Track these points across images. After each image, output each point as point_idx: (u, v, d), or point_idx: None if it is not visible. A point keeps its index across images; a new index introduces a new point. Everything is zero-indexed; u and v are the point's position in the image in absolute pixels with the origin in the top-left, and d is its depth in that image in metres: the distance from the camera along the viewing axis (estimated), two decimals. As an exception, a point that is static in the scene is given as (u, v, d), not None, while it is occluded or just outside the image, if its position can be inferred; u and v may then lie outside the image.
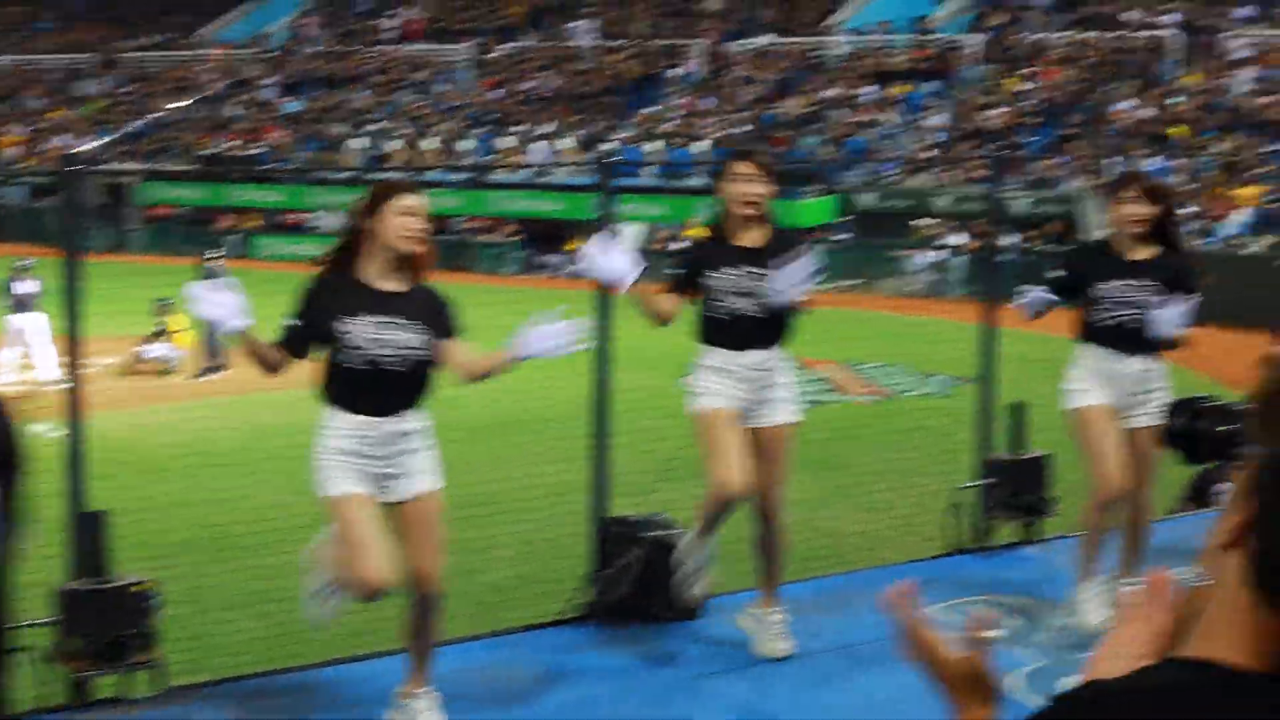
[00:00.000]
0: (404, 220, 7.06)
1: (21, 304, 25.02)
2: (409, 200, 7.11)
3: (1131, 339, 8.99)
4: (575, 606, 9.54)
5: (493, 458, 16.43)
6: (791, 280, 8.13)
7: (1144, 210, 8.97)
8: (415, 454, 7.28)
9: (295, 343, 7.15)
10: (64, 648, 8.06)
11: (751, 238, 8.42)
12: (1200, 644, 2.17)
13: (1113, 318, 8.99)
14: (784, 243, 8.43)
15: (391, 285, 7.16)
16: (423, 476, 7.32)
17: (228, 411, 17.62)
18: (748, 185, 8.38)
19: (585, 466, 9.84)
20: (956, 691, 2.72)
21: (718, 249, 8.43)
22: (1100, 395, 9.02)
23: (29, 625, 8.14)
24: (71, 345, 8.38)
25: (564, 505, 12.86)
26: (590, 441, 9.77)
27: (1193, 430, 3.02)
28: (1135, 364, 9.03)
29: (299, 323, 7.14)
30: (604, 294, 9.56)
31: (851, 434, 18.07)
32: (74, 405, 8.34)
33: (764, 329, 8.38)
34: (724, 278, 8.32)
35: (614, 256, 7.99)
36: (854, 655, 8.78)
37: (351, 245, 7.17)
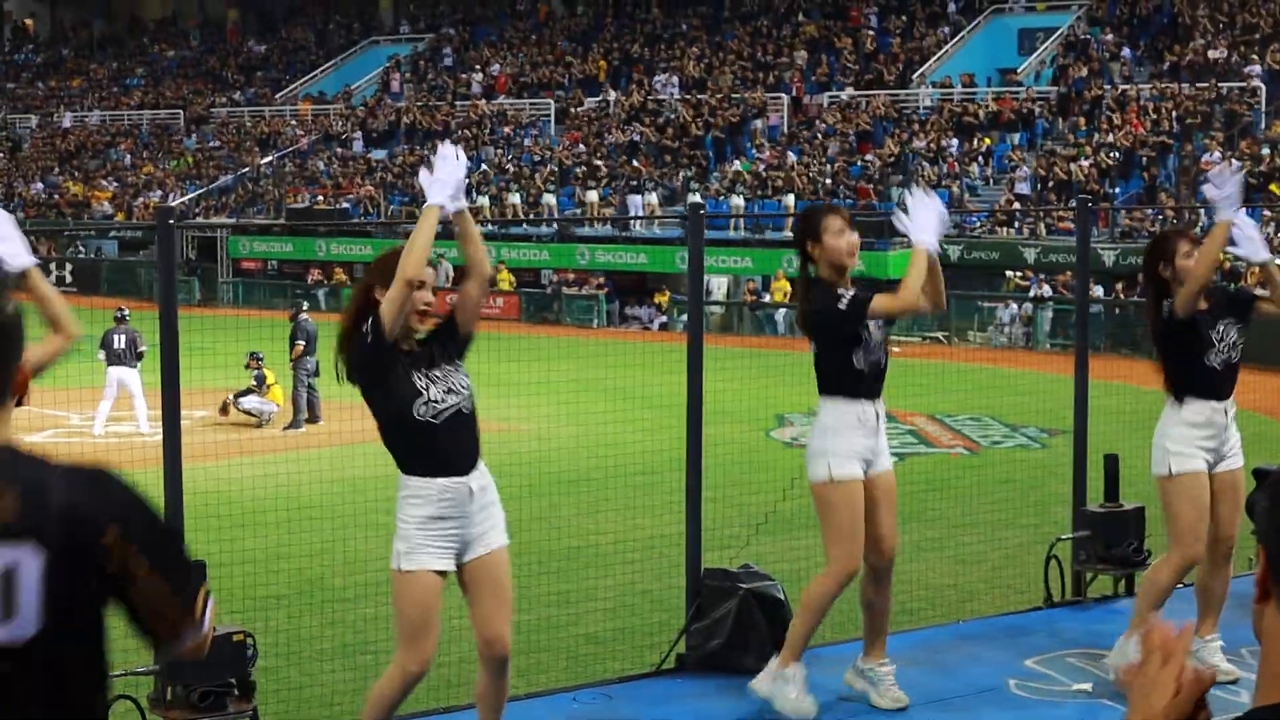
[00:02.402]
0: (418, 294, 6.91)
1: (118, 357, 25.26)
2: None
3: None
4: (671, 658, 9.55)
5: (588, 510, 16.47)
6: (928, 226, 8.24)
7: None
8: (489, 507, 7.18)
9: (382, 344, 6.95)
10: (164, 697, 8.15)
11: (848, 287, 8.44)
12: (1272, 694, 2.18)
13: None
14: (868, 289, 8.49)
15: (414, 346, 7.05)
16: (498, 530, 7.19)
17: (319, 463, 17.74)
18: (850, 236, 8.37)
19: (680, 519, 9.85)
20: None
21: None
22: (1202, 459, 8.98)
23: (130, 674, 8.23)
24: (168, 397, 8.47)
25: (660, 557, 12.88)
26: (685, 494, 9.78)
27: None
28: (1229, 412, 9.03)
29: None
30: (695, 349, 9.61)
31: (942, 486, 18.01)
32: (171, 457, 8.42)
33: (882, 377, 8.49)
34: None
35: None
36: (946, 708, 8.75)
37: (368, 310, 6.99)
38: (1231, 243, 8.78)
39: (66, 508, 3.22)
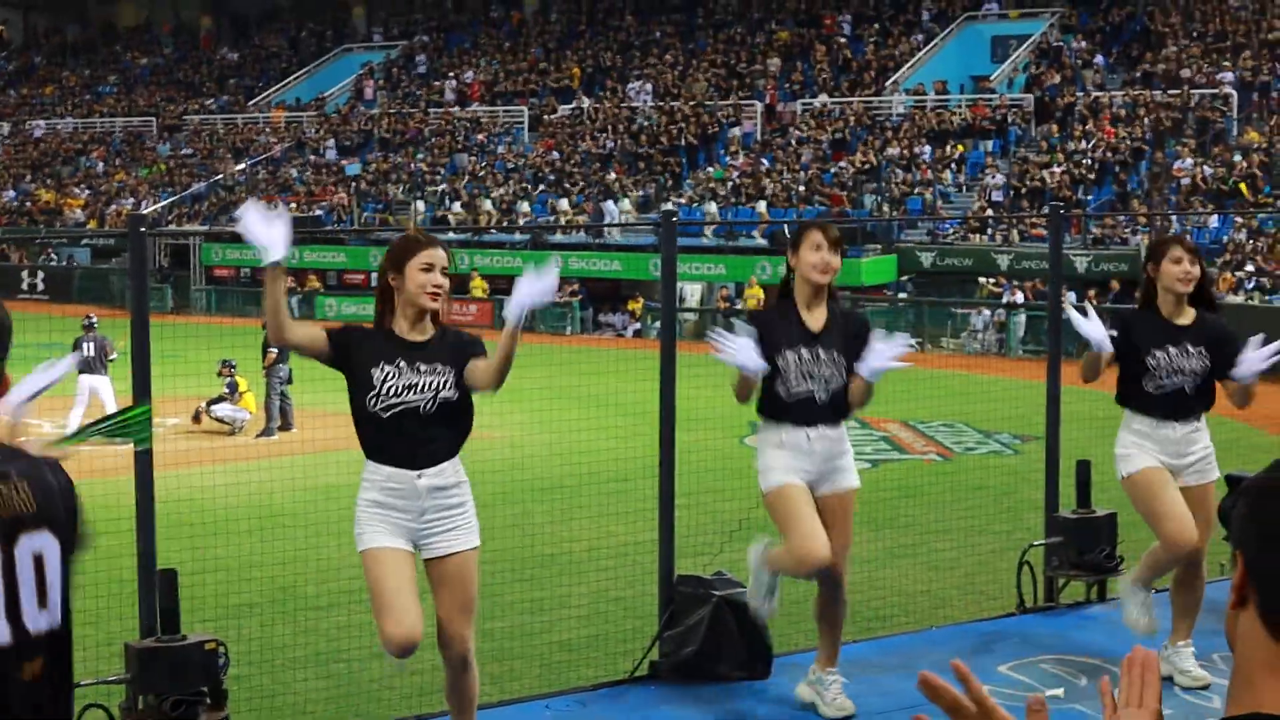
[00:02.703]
0: (427, 276, 7.13)
1: (88, 364, 25.20)
2: (429, 256, 7.17)
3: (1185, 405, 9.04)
4: (644, 665, 9.53)
5: (561, 517, 16.45)
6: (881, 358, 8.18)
7: (1196, 271, 8.94)
8: (452, 510, 7.25)
9: (334, 338, 7.24)
10: (135, 705, 8.12)
11: (817, 315, 8.41)
12: (1244, 701, 2.17)
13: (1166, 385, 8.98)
14: (845, 320, 8.47)
15: (419, 335, 7.22)
16: (460, 534, 7.26)
17: (292, 471, 17.70)
18: (825, 254, 8.34)
19: (653, 525, 9.84)
20: None
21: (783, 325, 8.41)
22: (1152, 458, 9.00)
23: (101, 682, 8.20)
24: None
25: (633, 564, 12.85)
26: (658, 501, 9.77)
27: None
28: (1183, 429, 9.03)
29: (342, 333, 7.29)
30: (669, 356, 9.61)
31: (914, 492, 18.04)
32: (143, 465, 8.40)
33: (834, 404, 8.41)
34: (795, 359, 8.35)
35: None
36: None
37: (386, 299, 7.27)
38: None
39: (62, 491, 3.40)
